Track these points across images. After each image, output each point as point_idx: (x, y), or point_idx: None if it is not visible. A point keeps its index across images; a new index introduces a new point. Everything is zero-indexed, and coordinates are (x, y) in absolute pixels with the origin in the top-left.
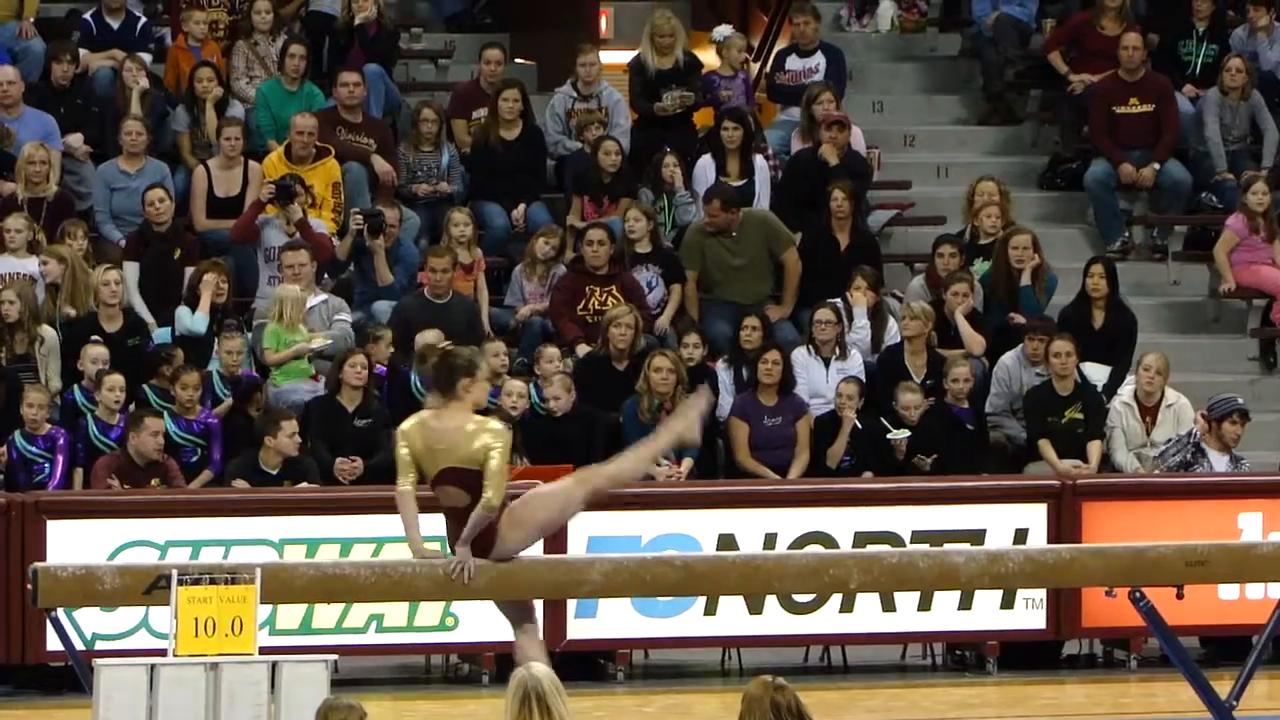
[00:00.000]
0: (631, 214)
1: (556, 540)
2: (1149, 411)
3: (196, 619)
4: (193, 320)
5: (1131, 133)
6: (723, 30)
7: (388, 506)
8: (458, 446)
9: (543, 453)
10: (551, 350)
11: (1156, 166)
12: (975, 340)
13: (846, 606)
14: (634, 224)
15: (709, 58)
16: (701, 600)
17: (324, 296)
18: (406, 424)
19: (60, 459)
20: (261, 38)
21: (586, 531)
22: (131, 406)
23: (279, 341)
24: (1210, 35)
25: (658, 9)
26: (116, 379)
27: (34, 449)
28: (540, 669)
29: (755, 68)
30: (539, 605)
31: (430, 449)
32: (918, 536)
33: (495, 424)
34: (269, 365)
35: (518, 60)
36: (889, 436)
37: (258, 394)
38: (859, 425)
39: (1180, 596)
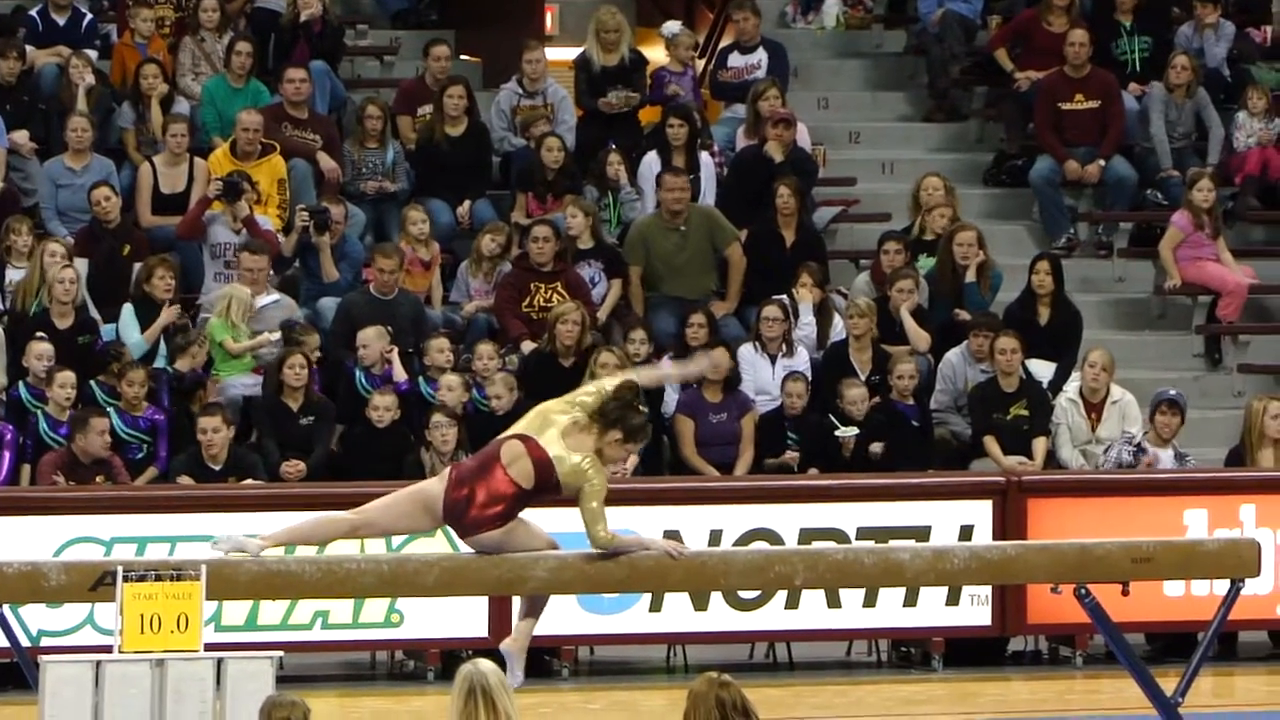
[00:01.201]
0: (570, 210)
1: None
2: (1094, 408)
3: (142, 615)
4: (135, 340)
5: (1077, 129)
6: (671, 26)
7: (333, 503)
8: (567, 458)
9: None
10: (485, 348)
11: (1101, 163)
12: (920, 337)
13: (792, 603)
14: (573, 220)
15: (654, 54)
16: (647, 597)
17: (276, 296)
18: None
19: (5, 455)
20: (208, 34)
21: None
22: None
23: (225, 335)
24: (1140, 28)
25: (603, 6)
26: (67, 376)
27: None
28: (486, 664)
29: (701, 64)
30: (485, 602)
31: (542, 422)
32: (863, 533)
33: (599, 480)
34: (232, 354)
35: (463, 57)
36: (837, 434)
37: (200, 391)
38: (795, 469)
39: (1126, 593)
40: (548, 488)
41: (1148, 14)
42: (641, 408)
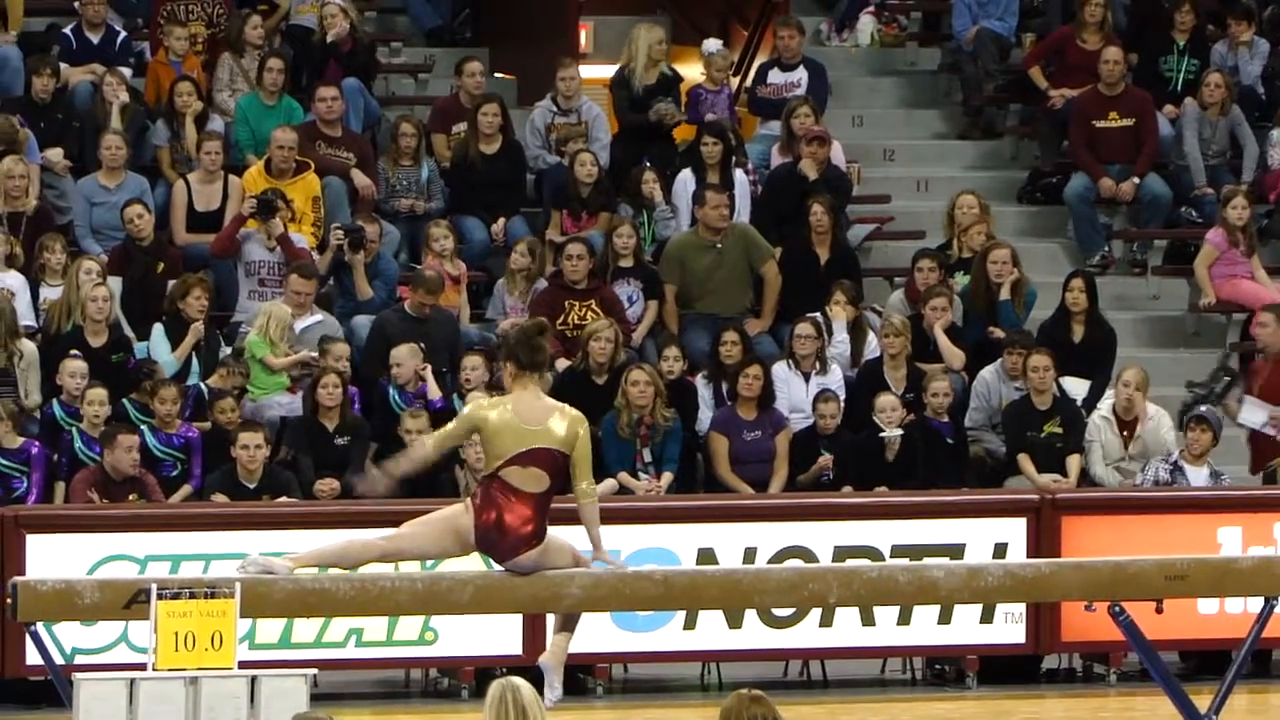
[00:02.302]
0: (622, 229)
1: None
2: (1127, 425)
3: (176, 633)
4: (167, 361)
5: (1111, 147)
6: (711, 44)
7: (367, 521)
8: (552, 428)
9: None
10: None
11: (1136, 181)
12: (954, 355)
13: (826, 621)
14: (621, 239)
15: (686, 70)
16: (681, 614)
17: (320, 316)
18: (484, 399)
19: (36, 474)
20: (250, 50)
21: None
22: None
23: (264, 352)
24: (1191, 50)
25: (648, 24)
26: (99, 393)
27: (6, 462)
28: (520, 681)
29: (736, 81)
30: (519, 619)
31: (518, 427)
32: (897, 551)
33: (575, 410)
34: (273, 370)
35: (497, 75)
36: (881, 434)
37: (223, 402)
38: (829, 478)
39: (1160, 611)
40: (559, 469)
41: (1202, 37)
42: (542, 326)
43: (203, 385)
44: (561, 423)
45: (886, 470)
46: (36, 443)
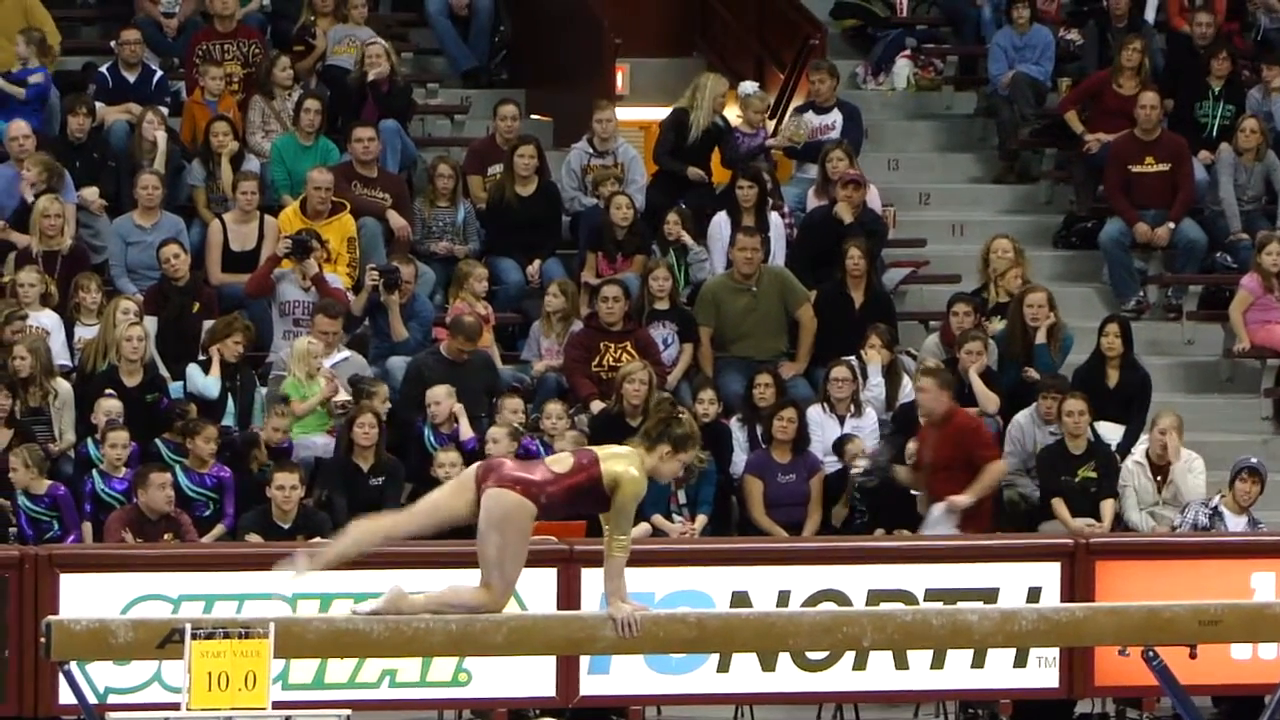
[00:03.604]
0: (658, 271)
1: (570, 597)
2: (1160, 470)
3: (210, 673)
4: (204, 384)
5: (1147, 192)
6: (748, 86)
7: (401, 561)
8: (619, 474)
9: None
10: (554, 407)
11: (1171, 225)
12: (989, 398)
13: (859, 664)
14: (658, 281)
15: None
16: (715, 657)
17: (346, 354)
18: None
19: (67, 515)
20: (280, 92)
21: (601, 588)
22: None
23: (298, 394)
24: (1227, 95)
25: (717, 75)
26: (121, 435)
27: (36, 508)
28: None
29: (771, 125)
30: (553, 661)
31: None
32: (931, 595)
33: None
34: (296, 415)
35: (534, 116)
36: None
37: (255, 450)
38: (862, 480)
39: (1193, 656)
40: (583, 491)
41: (1237, 83)
42: (681, 416)
43: (237, 429)
44: (624, 465)
45: (917, 520)
46: (61, 486)
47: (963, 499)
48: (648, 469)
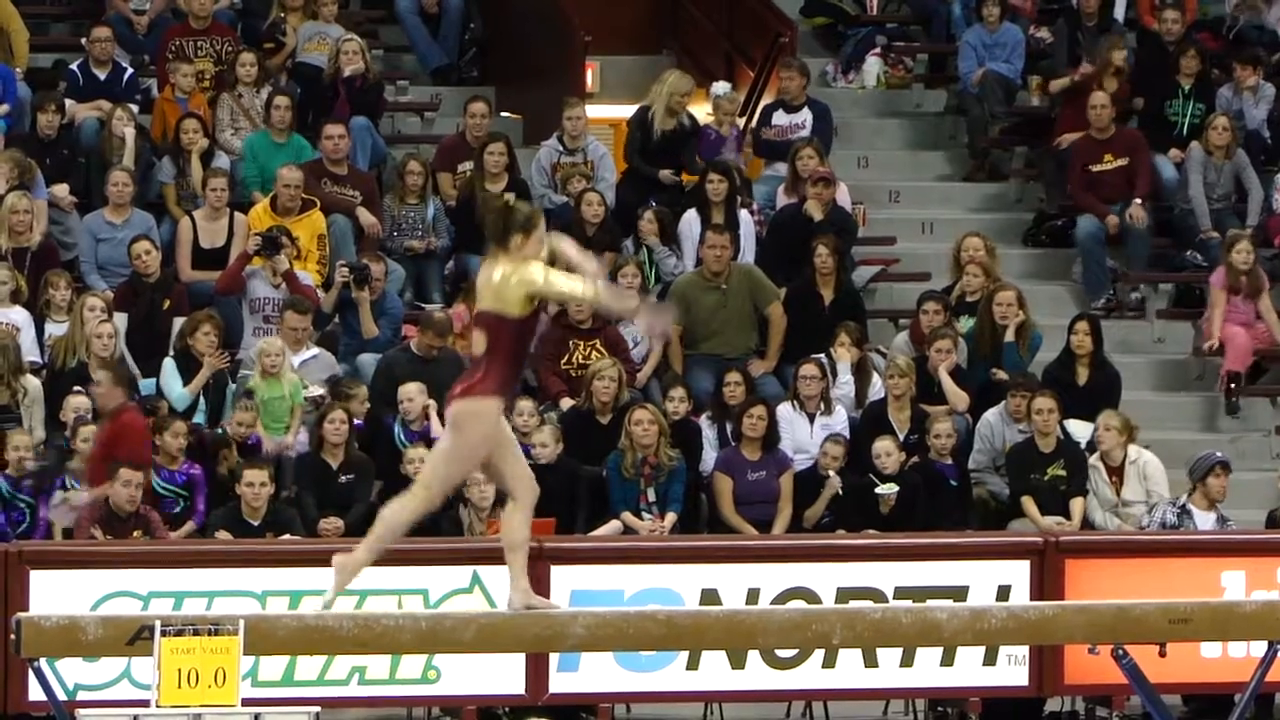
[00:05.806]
0: (627, 269)
1: (539, 594)
2: (1114, 470)
3: (179, 670)
4: (179, 395)
5: (1109, 188)
6: (721, 86)
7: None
8: (492, 289)
9: None
10: (525, 405)
11: (1139, 201)
12: (959, 397)
13: (829, 662)
14: (626, 279)
15: (693, 111)
16: (684, 655)
17: (315, 351)
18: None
19: (42, 509)
20: (245, 89)
21: (569, 585)
22: None
23: (262, 392)
24: (1197, 94)
25: (680, 73)
26: (92, 429)
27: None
28: None
29: (742, 122)
30: (522, 658)
31: (476, 294)
32: (900, 592)
33: (534, 266)
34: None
35: (503, 114)
36: (877, 491)
37: (225, 450)
38: (841, 492)
39: (1163, 654)
40: (515, 335)
41: (1207, 82)
42: (508, 203)
43: (209, 427)
44: (507, 281)
45: (882, 521)
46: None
47: (85, 496)
48: (518, 262)
